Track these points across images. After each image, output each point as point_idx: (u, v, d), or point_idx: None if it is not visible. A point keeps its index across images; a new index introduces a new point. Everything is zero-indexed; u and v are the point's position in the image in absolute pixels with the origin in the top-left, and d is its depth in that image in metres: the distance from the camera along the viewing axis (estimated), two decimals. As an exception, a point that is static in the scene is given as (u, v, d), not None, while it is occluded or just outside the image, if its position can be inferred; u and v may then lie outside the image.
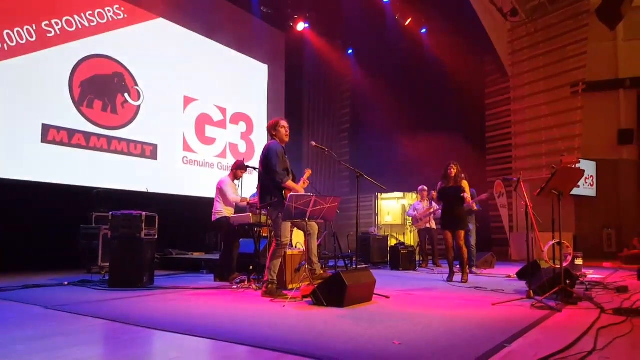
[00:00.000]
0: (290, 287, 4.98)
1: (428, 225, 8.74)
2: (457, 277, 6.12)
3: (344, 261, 7.43)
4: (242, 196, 6.29)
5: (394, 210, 13.89)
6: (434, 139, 12.41)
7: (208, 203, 9.60)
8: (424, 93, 12.85)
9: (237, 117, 11.11)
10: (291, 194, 4.17)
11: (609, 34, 12.00)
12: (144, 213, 5.19)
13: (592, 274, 6.80)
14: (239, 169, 6.12)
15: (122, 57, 8.56)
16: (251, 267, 5.59)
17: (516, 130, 12.98)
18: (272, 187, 4.48)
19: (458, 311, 3.82)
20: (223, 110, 10.73)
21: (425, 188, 8.97)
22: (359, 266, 7.66)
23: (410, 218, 9.27)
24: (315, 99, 13.87)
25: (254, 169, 6.24)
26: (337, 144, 14.49)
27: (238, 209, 6.28)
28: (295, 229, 5.55)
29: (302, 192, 4.54)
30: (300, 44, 12.71)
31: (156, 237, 5.38)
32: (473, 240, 7.51)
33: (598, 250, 11.81)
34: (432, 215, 8.61)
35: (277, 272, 4.54)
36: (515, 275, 6.49)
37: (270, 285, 4.45)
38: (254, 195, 7.41)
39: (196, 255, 8.37)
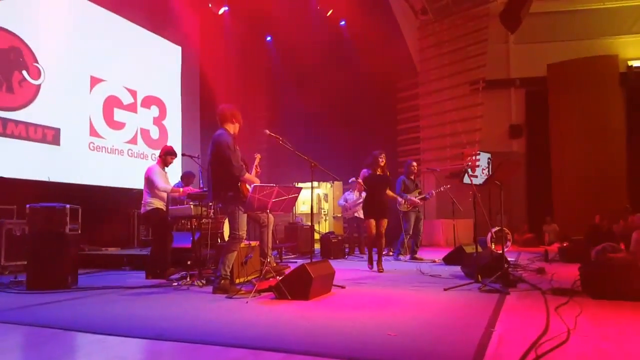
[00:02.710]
0: (237, 281, 4.74)
1: (357, 215, 8.96)
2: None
3: (277, 251, 7.31)
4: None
5: (309, 199, 14.02)
6: (349, 130, 12.74)
7: (119, 193, 8.86)
8: (340, 85, 13.03)
9: (149, 101, 10.25)
10: (255, 184, 3.95)
11: (502, 36, 13.30)
12: (67, 205, 4.55)
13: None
14: (168, 155, 5.62)
15: (21, 29, 7.38)
16: (189, 262, 5.21)
17: (424, 123, 13.82)
18: (227, 180, 4.19)
19: (420, 299, 3.94)
20: (133, 93, 9.81)
21: (355, 179, 9.16)
22: (285, 257, 7.68)
23: (340, 207, 9.44)
24: (231, 85, 13.31)
25: (191, 157, 5.85)
26: (254, 131, 14.13)
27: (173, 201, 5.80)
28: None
29: (258, 182, 4.31)
30: (217, 27, 12.08)
31: (79, 232, 4.76)
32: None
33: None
34: (361, 205, 8.85)
35: (230, 266, 4.28)
36: (442, 260, 6.91)
37: (223, 281, 4.19)
38: (177, 185, 6.92)
39: (112, 250, 7.59)
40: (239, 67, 12.89)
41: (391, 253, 8.52)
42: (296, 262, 7.00)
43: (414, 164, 7.99)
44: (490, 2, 12.84)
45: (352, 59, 12.33)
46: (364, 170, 6.19)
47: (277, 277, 4.16)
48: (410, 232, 7.56)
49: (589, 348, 2.32)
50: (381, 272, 5.84)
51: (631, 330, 2.71)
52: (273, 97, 14.33)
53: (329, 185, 13.90)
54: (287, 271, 4.52)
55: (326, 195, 13.91)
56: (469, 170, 6.60)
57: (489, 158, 12.23)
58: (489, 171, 13.59)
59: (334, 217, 13.18)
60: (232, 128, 4.43)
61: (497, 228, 4.87)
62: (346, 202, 9.17)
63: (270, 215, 4.32)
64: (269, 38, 13.53)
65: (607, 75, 12.25)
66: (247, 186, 4.23)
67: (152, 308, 3.65)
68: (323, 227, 13.21)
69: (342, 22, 12.53)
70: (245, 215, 4.25)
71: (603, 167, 11.84)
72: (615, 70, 12.24)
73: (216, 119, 4.49)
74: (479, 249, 5.01)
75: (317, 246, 8.91)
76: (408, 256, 7.60)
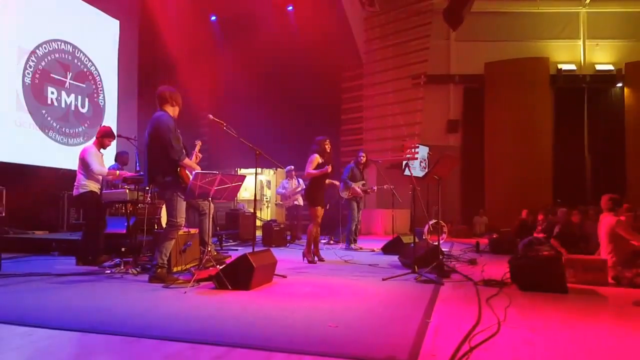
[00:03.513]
0: (175, 269, 4.58)
1: (296, 203, 8.98)
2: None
3: (217, 239, 7.15)
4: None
5: (251, 186, 13.83)
6: (292, 117, 12.65)
7: (47, 173, 8.22)
8: (286, 70, 12.86)
9: (82, 76, 9.56)
10: (197, 171, 3.80)
11: (445, 33, 13.73)
12: (-12, 188, 4.16)
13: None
14: (105, 137, 5.29)
15: None
16: (123, 249, 4.96)
17: (367, 114, 14.02)
18: (166, 164, 4.00)
19: (360, 289, 4.00)
20: (66, 67, 9.11)
21: (293, 167, 9.13)
22: (225, 244, 7.52)
23: (279, 195, 9.37)
24: (172, 64, 12.71)
25: (128, 139, 5.54)
26: (195, 114, 13.65)
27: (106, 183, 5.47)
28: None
29: (198, 169, 4.15)
30: (159, 2, 11.45)
31: (3, 214, 4.37)
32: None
33: (424, 224, 13.73)
34: (300, 193, 8.86)
35: (168, 255, 4.12)
36: (381, 250, 7.08)
37: (159, 270, 4.03)
38: (113, 167, 6.56)
39: (40, 234, 7.06)
40: (181, 46, 12.33)
41: (332, 242, 8.62)
42: (237, 249, 6.90)
43: (363, 154, 8.00)
44: (434, -1, 13.19)
45: (299, 45, 12.17)
46: (313, 155, 5.92)
47: (218, 267, 4.06)
48: (356, 219, 7.63)
49: (518, 338, 2.47)
50: (322, 261, 5.85)
51: (555, 322, 2.91)
52: (216, 79, 13.87)
53: (271, 172, 13.79)
54: (228, 260, 4.44)
55: (269, 182, 13.80)
56: (410, 163, 6.71)
57: (428, 152, 12.71)
58: (427, 164, 14.15)
59: (276, 204, 13.11)
60: (172, 111, 4.23)
61: (434, 220, 5.06)
62: (285, 189, 9.12)
63: (211, 203, 4.19)
64: (213, 18, 13.04)
65: (538, 76, 13.05)
66: (187, 172, 4.07)
67: (83, 298, 3.44)
68: (265, 214, 13.11)
69: (290, 7, 12.33)
70: (185, 202, 4.10)
71: (531, 163, 12.68)
72: (545, 72, 13.06)
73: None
74: (416, 240, 5.19)
75: (258, 233, 8.84)
76: (353, 244, 7.64)
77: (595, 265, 4.40)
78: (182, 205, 4.07)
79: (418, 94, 13.53)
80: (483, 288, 4.01)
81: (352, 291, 3.87)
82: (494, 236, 8.79)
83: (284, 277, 4.38)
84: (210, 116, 4.50)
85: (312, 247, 5.80)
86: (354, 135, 14.03)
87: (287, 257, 6.27)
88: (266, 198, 13.49)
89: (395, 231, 8.52)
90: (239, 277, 3.70)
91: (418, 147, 13.47)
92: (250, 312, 3.01)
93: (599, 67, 13.17)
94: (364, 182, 7.90)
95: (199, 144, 4.70)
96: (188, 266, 4.73)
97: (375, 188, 8.10)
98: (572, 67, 13.23)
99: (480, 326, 2.67)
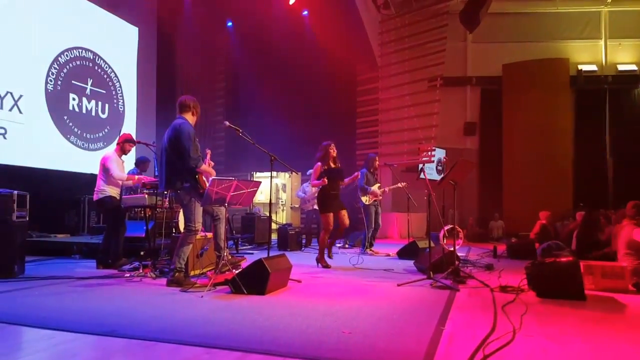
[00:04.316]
0: (192, 273, 4.66)
1: (315, 207, 8.97)
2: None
3: (233, 242, 7.23)
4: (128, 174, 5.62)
5: (267, 189, 13.92)
6: (308, 121, 12.71)
7: (68, 178, 8.42)
8: (302, 75, 12.95)
9: (102, 83, 9.78)
10: (213, 177, 3.86)
11: (461, 35, 13.63)
12: (15, 192, 4.32)
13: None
14: (127, 143, 5.43)
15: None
16: (142, 252, 5.06)
17: (382, 117, 13.99)
18: (184, 170, 4.09)
19: (374, 294, 4.00)
20: (87, 74, 9.34)
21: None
22: (241, 247, 7.59)
23: (299, 199, 9.42)
24: (189, 70, 12.93)
25: (147, 144, 5.66)
26: (212, 119, 13.83)
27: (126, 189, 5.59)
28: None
29: (214, 174, 4.23)
30: (176, 9, 11.66)
31: (27, 219, 4.53)
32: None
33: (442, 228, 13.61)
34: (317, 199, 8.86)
35: (185, 259, 4.20)
36: (396, 254, 7.06)
37: (177, 274, 4.11)
38: (132, 172, 6.69)
39: (62, 237, 7.24)
40: (198, 52, 12.53)
41: (347, 246, 8.62)
42: (252, 253, 6.96)
43: (376, 157, 7.99)
44: (451, 0, 13.10)
45: (314, 49, 12.24)
46: (319, 163, 5.90)
47: (233, 270, 4.11)
48: (372, 225, 7.63)
49: (533, 347, 2.44)
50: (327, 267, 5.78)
51: (572, 331, 2.87)
52: (233, 83, 14.06)
53: (287, 175, 13.85)
54: (243, 263, 4.49)
55: (284, 185, 13.86)
56: (425, 167, 6.67)
57: (444, 155, 12.61)
58: (443, 167, 14.03)
59: (291, 208, 13.17)
60: (191, 119, 4.34)
61: (449, 226, 5.05)
62: (305, 194, 9.16)
63: (222, 209, 4.25)
64: (230, 23, 13.20)
65: (558, 77, 12.84)
66: (204, 178, 4.15)
67: (103, 301, 3.53)
68: (280, 217, 13.18)
69: (305, 12, 12.40)
70: (201, 207, 4.18)
71: (551, 167, 12.47)
72: (565, 73, 12.85)
73: (176, 106, 4.38)
74: (432, 244, 5.16)
75: (274, 236, 8.90)
76: (368, 249, 7.63)
77: (614, 272, 4.32)
78: (199, 211, 4.15)
79: (434, 96, 13.42)
80: (499, 294, 3.97)
81: (367, 297, 3.87)
82: (513, 241, 8.68)
83: (299, 282, 4.41)
84: (227, 123, 4.58)
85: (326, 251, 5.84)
86: (370, 138, 14.01)
87: (302, 261, 6.30)
88: (281, 201, 13.55)
89: (411, 235, 8.47)
90: (254, 281, 3.74)
91: (434, 150, 13.40)
92: (265, 316, 3.04)
93: (621, 67, 12.91)
94: (379, 184, 7.89)
95: (208, 152, 4.79)
96: (205, 270, 4.80)
97: (387, 189, 8.00)
98: (593, 67, 12.99)
99: (495, 334, 2.65)
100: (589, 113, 12.86)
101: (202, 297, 3.62)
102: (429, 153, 13.30)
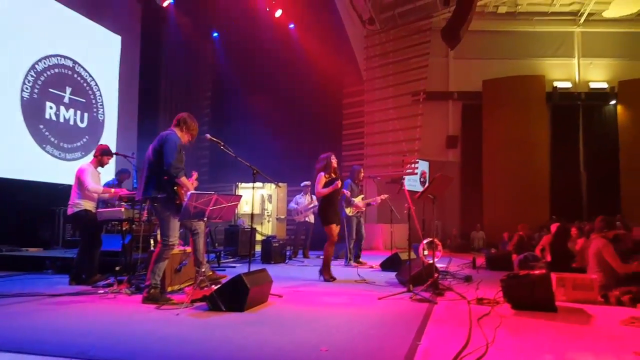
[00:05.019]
0: (169, 289, 4.59)
1: (307, 219, 9.01)
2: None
3: (215, 255, 7.17)
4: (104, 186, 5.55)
5: (253, 200, 13.84)
6: (295, 132, 12.76)
7: (43, 189, 8.23)
8: (288, 86, 13.02)
9: (82, 91, 9.66)
10: (192, 192, 3.84)
11: (444, 51, 13.92)
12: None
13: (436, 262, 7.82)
14: (104, 155, 5.35)
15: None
16: (118, 268, 4.97)
17: (368, 130, 14.13)
18: (163, 180, 4.04)
19: (354, 309, 4.01)
20: (65, 82, 9.22)
21: (309, 184, 9.15)
22: (223, 260, 7.52)
23: (292, 210, 9.40)
24: (174, 80, 12.87)
25: (125, 156, 5.60)
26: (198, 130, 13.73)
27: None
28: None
29: (192, 189, 4.20)
30: (160, 19, 11.63)
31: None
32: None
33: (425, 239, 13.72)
34: (312, 209, 8.89)
35: (161, 275, 4.14)
36: (379, 266, 7.08)
37: (153, 290, 4.04)
38: (110, 183, 6.61)
39: (34, 251, 7.06)
40: (182, 62, 12.49)
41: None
42: (235, 267, 6.90)
43: (361, 169, 8.03)
44: (433, 17, 13.39)
45: (300, 61, 12.33)
46: (323, 173, 5.86)
47: (212, 286, 4.08)
48: (354, 236, 7.65)
49: (505, 362, 2.49)
50: (332, 280, 5.74)
51: (543, 343, 2.92)
52: (219, 94, 14.02)
53: (273, 186, 13.80)
54: (224, 280, 4.46)
55: (270, 196, 13.80)
56: (405, 179, 6.74)
57: (423, 171, 12.78)
58: (426, 178, 14.19)
59: (277, 219, 13.11)
60: (182, 135, 4.31)
61: (428, 239, 5.12)
62: (298, 205, 9.14)
63: (201, 223, 4.22)
64: (215, 34, 13.22)
65: (534, 93, 13.19)
66: (183, 191, 4.11)
67: (74, 320, 3.45)
68: (266, 229, 13.10)
69: (291, 25, 12.51)
70: (178, 221, 4.13)
71: (528, 179, 12.75)
72: (542, 89, 13.21)
73: (168, 118, 4.39)
74: (414, 257, 5.21)
75: (258, 248, 8.84)
76: (351, 261, 7.63)
77: (584, 284, 4.43)
78: (175, 225, 4.10)
79: (418, 110, 13.62)
80: (476, 307, 4.02)
81: (347, 311, 3.89)
82: (492, 252, 8.81)
83: (280, 296, 4.39)
84: (208, 136, 4.57)
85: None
86: (356, 150, 14.11)
87: (285, 274, 6.28)
88: (267, 212, 13.48)
89: (395, 246, 8.52)
90: (233, 298, 3.71)
91: (418, 162, 13.57)
92: (243, 334, 3.03)
93: (593, 84, 13.33)
94: (362, 195, 7.91)
95: (195, 174, 4.76)
96: (183, 286, 4.74)
97: (379, 199, 7.94)
98: (568, 84, 13.39)
99: (469, 348, 2.68)
100: (564, 128, 13.24)
101: (178, 314, 3.58)
102: (413, 165, 13.47)
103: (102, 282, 4.89)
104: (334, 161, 5.96)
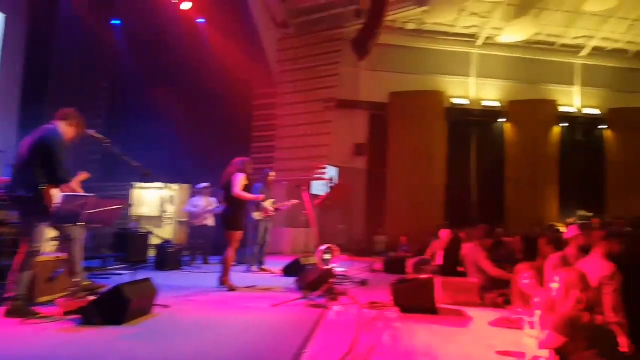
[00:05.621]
0: (41, 300, 4.11)
1: (205, 223, 8.60)
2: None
3: (102, 262, 6.62)
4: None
5: (151, 201, 13.07)
6: (202, 131, 12.30)
7: None
8: (196, 83, 12.50)
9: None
10: (66, 193, 3.45)
11: (354, 61, 14.34)
12: None
13: (336, 267, 7.95)
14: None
15: None
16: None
17: (279, 133, 14.06)
18: (32, 179, 3.56)
19: (247, 318, 3.90)
20: None
21: (208, 185, 8.79)
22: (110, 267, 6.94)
23: (188, 214, 8.96)
24: (65, 67, 11.72)
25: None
26: (91, 123, 12.61)
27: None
28: None
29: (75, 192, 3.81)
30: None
31: None
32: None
33: (331, 242, 13.96)
34: (211, 212, 8.56)
35: (27, 285, 3.68)
36: (282, 272, 7.01)
37: (17, 303, 3.57)
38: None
39: None
40: (77, 48, 11.43)
41: (234, 263, 8.36)
42: (121, 274, 6.39)
43: (272, 173, 7.89)
44: (346, 28, 13.75)
45: (209, 58, 11.91)
46: (240, 175, 5.55)
47: (90, 297, 3.72)
48: (260, 241, 7.50)
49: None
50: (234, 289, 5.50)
51: (422, 346, 3.06)
52: (118, 86, 13.04)
53: (176, 186, 13.14)
54: (103, 290, 4.10)
55: (172, 197, 13.12)
56: (307, 187, 6.77)
57: (331, 177, 13.06)
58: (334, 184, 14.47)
59: (179, 222, 12.50)
60: (67, 131, 3.88)
61: (325, 245, 5.21)
62: (196, 208, 8.73)
63: (77, 228, 3.83)
64: (117, 22, 12.32)
65: (435, 108, 14.12)
66: (51, 193, 3.67)
67: None
68: (167, 232, 12.42)
69: (200, 20, 12.07)
70: (45, 226, 3.70)
71: (427, 187, 13.59)
72: (441, 104, 14.17)
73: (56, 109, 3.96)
74: (314, 262, 5.22)
75: (154, 253, 8.29)
76: (254, 266, 7.47)
77: (466, 287, 4.78)
78: (42, 230, 3.67)
79: (328, 117, 13.81)
80: (367, 311, 4.13)
81: (236, 321, 3.77)
82: (391, 255, 9.20)
83: (167, 307, 4.11)
84: (90, 132, 4.17)
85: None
86: (266, 153, 13.96)
87: (179, 282, 5.91)
88: (168, 215, 12.79)
89: (301, 251, 8.53)
90: (111, 310, 3.39)
91: (326, 168, 13.81)
92: (117, 351, 2.78)
93: (485, 102, 14.59)
94: (273, 200, 7.75)
95: (84, 175, 4.31)
96: (57, 297, 4.26)
97: (288, 205, 7.81)
98: (465, 101, 14.50)
99: (352, 355, 2.72)
100: (459, 141, 14.34)
101: (46, 330, 3.20)
102: (321, 171, 13.67)
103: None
104: (251, 167, 5.79)
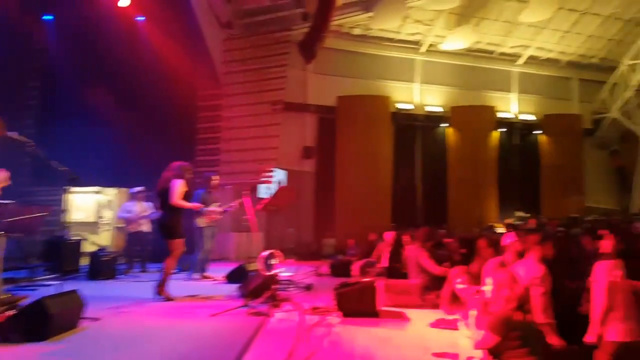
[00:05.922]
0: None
1: (140, 229, 8.17)
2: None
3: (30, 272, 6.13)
4: None
5: (87, 206, 12.35)
6: (141, 133, 11.76)
7: None
8: (135, 83, 11.95)
9: None
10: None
11: (302, 64, 14.32)
12: None
13: (282, 271, 7.83)
14: None
15: None
16: None
17: (224, 135, 13.74)
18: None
19: (182, 329, 3.73)
20: None
21: (142, 189, 8.38)
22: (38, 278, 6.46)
23: (123, 219, 8.49)
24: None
25: None
26: (20, 123, 11.73)
27: None
28: None
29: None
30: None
31: None
32: None
33: (280, 246, 13.82)
34: (147, 217, 8.15)
35: None
36: (225, 279, 6.80)
37: None
38: None
39: None
40: (4, 42, 10.63)
41: (175, 271, 8.03)
42: (50, 285, 5.95)
43: (216, 177, 7.63)
44: (293, 30, 13.69)
45: (150, 57, 11.45)
46: (178, 181, 5.31)
47: (8, 312, 3.42)
48: (205, 248, 7.22)
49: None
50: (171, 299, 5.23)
51: (360, 350, 3.05)
52: (50, 84, 12.23)
53: (114, 190, 12.49)
54: (23, 303, 3.78)
55: (110, 201, 12.46)
56: (252, 191, 6.63)
57: (279, 180, 12.96)
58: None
59: (117, 228, 11.87)
60: None
61: (268, 251, 5.10)
62: (130, 213, 8.30)
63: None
64: (49, 17, 11.59)
65: (381, 112, 14.37)
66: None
67: None
68: (104, 239, 11.76)
69: (140, 18, 11.59)
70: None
71: (374, 190, 13.78)
72: (387, 109, 14.45)
73: None
74: (257, 267, 5.09)
75: (87, 261, 7.78)
76: (196, 274, 7.20)
77: (406, 289, 4.85)
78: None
79: (276, 119, 13.67)
80: (310, 317, 4.07)
81: (172, 332, 3.59)
82: (338, 258, 9.21)
83: (96, 319, 3.84)
84: (12, 134, 3.84)
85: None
86: (211, 155, 13.60)
87: (113, 293, 5.58)
88: (103, 220, 12.11)
89: (247, 256, 8.30)
90: (32, 325, 3.14)
91: (273, 170, 13.65)
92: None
93: (429, 108, 15.06)
94: (218, 203, 7.47)
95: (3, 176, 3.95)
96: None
97: (235, 204, 7.51)
98: (410, 106, 14.88)
99: (290, 365, 2.65)
100: (405, 145, 14.71)
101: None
102: (269, 174, 13.49)
103: None
104: (191, 173, 5.56)
